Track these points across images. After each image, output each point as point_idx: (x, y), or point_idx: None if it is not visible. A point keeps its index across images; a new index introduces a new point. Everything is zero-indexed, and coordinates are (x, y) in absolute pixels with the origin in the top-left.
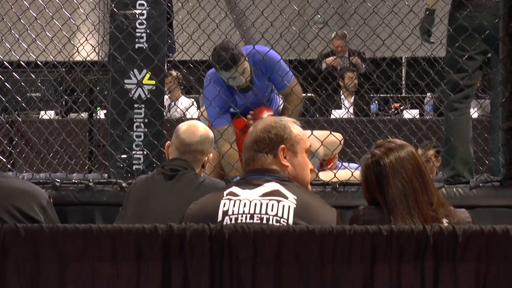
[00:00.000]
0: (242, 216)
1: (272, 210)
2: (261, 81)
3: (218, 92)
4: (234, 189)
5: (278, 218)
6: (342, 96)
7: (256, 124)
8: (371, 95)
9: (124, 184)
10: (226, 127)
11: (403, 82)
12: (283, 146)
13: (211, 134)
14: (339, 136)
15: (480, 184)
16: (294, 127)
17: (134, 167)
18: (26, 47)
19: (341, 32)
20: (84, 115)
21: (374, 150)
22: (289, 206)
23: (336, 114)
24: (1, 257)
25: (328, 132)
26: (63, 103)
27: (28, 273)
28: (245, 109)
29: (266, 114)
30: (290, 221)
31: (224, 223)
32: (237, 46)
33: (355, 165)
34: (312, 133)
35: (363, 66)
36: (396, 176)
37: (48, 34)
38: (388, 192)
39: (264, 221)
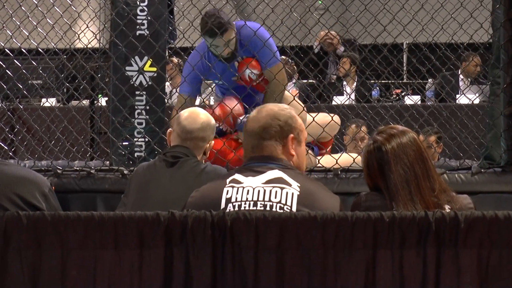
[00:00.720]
0: (245, 203)
1: (275, 197)
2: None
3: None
4: (237, 176)
5: (282, 205)
6: (344, 83)
7: (260, 110)
8: (372, 81)
9: (125, 172)
10: (186, 97)
11: (404, 68)
12: (292, 135)
13: (213, 121)
14: (336, 118)
15: (482, 170)
16: (297, 116)
17: (135, 154)
18: (27, 34)
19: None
20: (86, 102)
21: (375, 136)
22: (292, 193)
23: (338, 100)
24: (4, 244)
25: (323, 114)
26: (65, 90)
27: (30, 260)
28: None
29: (248, 71)
30: (294, 208)
31: (228, 210)
32: (228, 16)
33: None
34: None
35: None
36: (398, 162)
37: (49, 21)
38: (390, 178)
39: (268, 208)
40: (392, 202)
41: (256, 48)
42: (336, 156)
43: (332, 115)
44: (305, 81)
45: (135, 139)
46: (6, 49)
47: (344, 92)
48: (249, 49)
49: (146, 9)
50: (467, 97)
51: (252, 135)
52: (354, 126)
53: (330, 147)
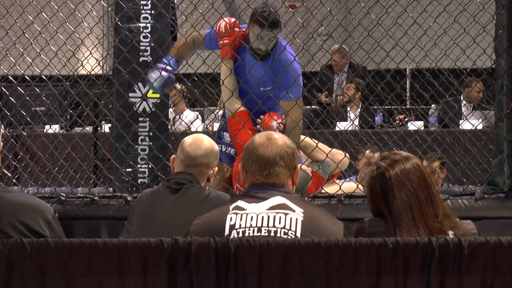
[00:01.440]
0: (249, 230)
1: (279, 223)
2: (274, 73)
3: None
4: (240, 203)
5: (286, 231)
6: (348, 108)
7: (269, 137)
8: (376, 107)
9: (129, 198)
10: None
11: (408, 94)
12: (298, 165)
13: (216, 147)
14: (342, 155)
15: (486, 196)
16: None
17: (139, 181)
18: (31, 61)
19: (335, 47)
20: (89, 129)
21: (379, 162)
22: (296, 219)
23: (341, 126)
24: (7, 271)
25: (336, 150)
26: (68, 117)
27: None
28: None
29: (275, 123)
30: (298, 233)
31: (232, 237)
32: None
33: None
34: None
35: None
36: (401, 188)
37: (52, 48)
38: (393, 204)
39: (272, 234)
40: (395, 228)
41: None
42: (339, 182)
43: (344, 152)
44: (308, 107)
45: (138, 166)
46: (9, 76)
47: (348, 118)
48: (280, 64)
49: (149, 35)
50: (470, 123)
51: (264, 161)
52: (369, 152)
53: (335, 179)
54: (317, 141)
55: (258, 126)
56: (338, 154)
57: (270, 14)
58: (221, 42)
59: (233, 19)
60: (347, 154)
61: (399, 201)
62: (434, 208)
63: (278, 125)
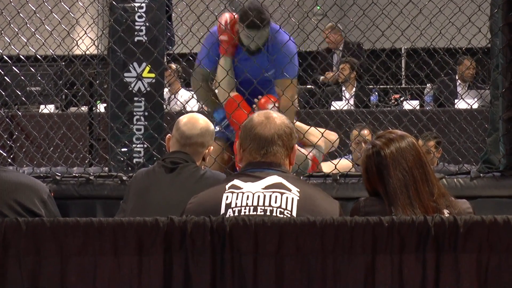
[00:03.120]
0: (245, 209)
1: (275, 202)
2: (270, 53)
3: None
4: (236, 182)
5: (282, 210)
6: (343, 88)
7: (267, 116)
8: (371, 86)
9: (124, 178)
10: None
11: (403, 73)
12: (296, 145)
13: (212, 126)
14: (335, 135)
15: (481, 175)
16: None
17: (134, 161)
18: (26, 41)
19: (330, 25)
20: (84, 108)
21: (374, 141)
22: (292, 198)
23: (336, 105)
24: (3, 251)
25: (323, 130)
26: (63, 97)
27: (30, 267)
28: (244, 82)
29: (271, 105)
30: (294, 213)
31: (227, 215)
32: (267, 10)
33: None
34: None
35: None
36: (396, 167)
37: (47, 27)
38: (389, 183)
39: (268, 213)
40: (391, 206)
41: (279, 51)
42: (335, 161)
43: (331, 133)
44: (303, 86)
45: (134, 145)
46: (4, 56)
47: (343, 97)
48: (275, 44)
49: (144, 15)
50: (466, 102)
51: (261, 140)
52: (357, 130)
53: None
54: (307, 126)
55: (254, 106)
56: (331, 135)
57: (256, 13)
58: (221, 38)
59: (234, 15)
60: (338, 134)
61: (395, 180)
62: (430, 187)
63: (274, 107)
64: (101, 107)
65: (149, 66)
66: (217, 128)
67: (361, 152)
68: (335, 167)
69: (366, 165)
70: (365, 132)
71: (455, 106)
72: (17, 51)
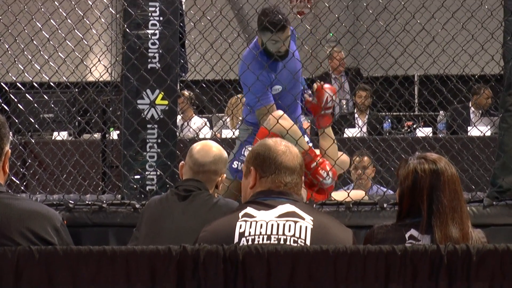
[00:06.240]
0: (259, 237)
1: (289, 231)
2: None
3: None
4: (249, 210)
5: (296, 239)
6: (356, 115)
7: (286, 145)
8: (384, 113)
9: (137, 205)
10: (272, 105)
11: (416, 100)
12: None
13: (225, 154)
14: (347, 158)
15: (494, 203)
16: None
17: (147, 188)
18: (39, 68)
19: (335, 49)
20: (97, 136)
21: (428, 158)
22: (306, 227)
23: (349, 133)
24: (15, 279)
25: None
26: (76, 124)
27: None
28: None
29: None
30: (308, 241)
31: (241, 244)
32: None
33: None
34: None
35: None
36: (451, 189)
37: (60, 55)
38: (441, 203)
39: (282, 242)
40: (428, 226)
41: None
42: (347, 190)
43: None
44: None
45: (146, 173)
46: (18, 83)
47: (356, 124)
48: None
49: (157, 42)
50: (479, 129)
51: (289, 170)
52: (358, 157)
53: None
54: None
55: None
56: (343, 157)
57: (276, 16)
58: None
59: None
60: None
61: (447, 200)
62: (466, 213)
63: (332, 100)
64: (114, 134)
65: (162, 93)
66: None
67: (400, 167)
68: (348, 195)
69: (415, 179)
70: (365, 159)
71: (468, 133)
72: (31, 78)
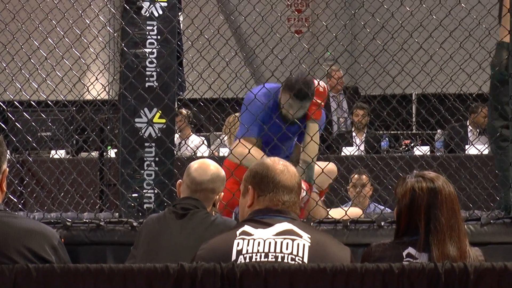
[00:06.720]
0: (256, 255)
1: (287, 249)
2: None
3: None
4: (247, 228)
5: (293, 257)
6: (353, 133)
7: (284, 165)
8: (382, 132)
9: (135, 223)
10: (256, 140)
11: (414, 119)
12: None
13: (223, 172)
14: (332, 165)
15: (491, 221)
16: None
17: (145, 206)
18: (37, 86)
19: (333, 68)
20: (95, 154)
21: (429, 178)
22: (303, 245)
23: (347, 151)
24: None
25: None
26: (74, 142)
27: None
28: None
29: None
30: (305, 259)
31: (239, 262)
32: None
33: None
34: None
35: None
36: (449, 207)
37: (58, 73)
38: (438, 221)
39: (279, 260)
40: (426, 244)
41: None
42: (345, 208)
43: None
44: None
45: (144, 191)
46: (15, 102)
47: (354, 143)
48: None
49: (155, 61)
50: (476, 148)
51: (287, 189)
52: (356, 176)
53: (323, 197)
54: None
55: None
56: (330, 165)
57: (302, 85)
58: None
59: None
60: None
61: (445, 218)
62: (463, 232)
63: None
64: (112, 153)
65: (160, 111)
66: None
67: (398, 185)
68: (345, 213)
69: (412, 197)
70: (364, 177)
71: (466, 151)
72: (28, 97)
